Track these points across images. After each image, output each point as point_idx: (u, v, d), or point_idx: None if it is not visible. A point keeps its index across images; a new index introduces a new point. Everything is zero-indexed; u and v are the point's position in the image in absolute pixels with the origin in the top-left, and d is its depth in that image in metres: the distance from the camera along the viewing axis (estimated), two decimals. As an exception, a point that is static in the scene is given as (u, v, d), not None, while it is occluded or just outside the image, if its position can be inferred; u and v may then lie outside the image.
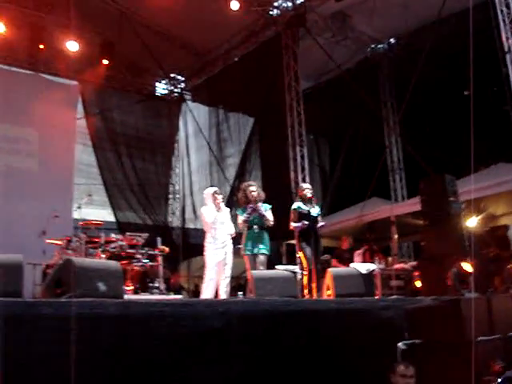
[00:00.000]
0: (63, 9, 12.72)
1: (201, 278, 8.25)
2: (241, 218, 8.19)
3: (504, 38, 11.08)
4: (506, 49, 11.06)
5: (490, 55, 11.13)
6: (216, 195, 8.21)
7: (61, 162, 15.10)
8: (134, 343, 4.61)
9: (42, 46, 14.36)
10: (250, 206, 8.16)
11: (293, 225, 8.43)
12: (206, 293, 7.82)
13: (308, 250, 8.21)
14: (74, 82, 16.27)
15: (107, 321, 4.55)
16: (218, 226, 8.07)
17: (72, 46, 14.07)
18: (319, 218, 8.58)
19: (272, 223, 8.21)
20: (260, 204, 8.21)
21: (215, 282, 7.88)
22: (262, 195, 8.38)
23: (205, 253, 8.03)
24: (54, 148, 15.01)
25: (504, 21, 11.07)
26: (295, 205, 8.57)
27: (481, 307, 5.54)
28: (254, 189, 8.32)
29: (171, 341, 4.78)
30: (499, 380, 3.21)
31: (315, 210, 8.56)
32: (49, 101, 15.02)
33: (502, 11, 11.10)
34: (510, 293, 8.16)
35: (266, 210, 8.21)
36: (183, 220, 18.42)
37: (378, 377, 5.04)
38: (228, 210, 8.43)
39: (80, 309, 4.40)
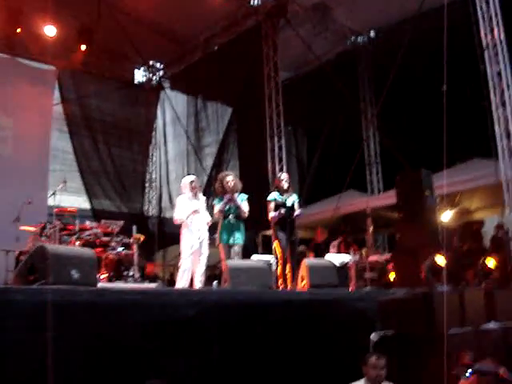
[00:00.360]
0: (41, -8, 12.54)
1: (176, 266, 8.23)
2: (217, 208, 8.18)
3: (483, 35, 11.18)
4: (485, 45, 11.17)
5: (469, 51, 11.22)
6: (193, 184, 8.19)
7: (36, 148, 14.93)
8: (108, 331, 4.58)
9: (18, 30, 14.12)
10: (227, 196, 8.15)
11: (271, 215, 8.44)
12: (181, 282, 7.79)
13: (283, 240, 8.23)
14: (51, 67, 16.03)
15: (80, 308, 4.51)
16: (193, 215, 8.05)
17: (49, 30, 13.87)
18: (296, 207, 8.56)
19: (247, 214, 8.21)
20: (236, 194, 8.20)
21: (190, 271, 7.86)
22: (239, 186, 8.36)
23: (181, 242, 8.00)
24: (29, 133, 14.81)
25: (483, 17, 11.17)
26: (271, 196, 8.57)
27: (453, 300, 5.60)
28: (230, 179, 8.30)
29: (145, 329, 4.76)
30: (468, 371, 3.24)
31: (292, 199, 8.54)
32: (25, 85, 14.84)
33: (481, 8, 11.20)
34: (482, 286, 8.27)
35: (242, 201, 8.21)
36: (159, 209, 18.34)
37: (350, 367, 5.08)
38: (204, 198, 8.41)
39: (52, 296, 4.36)
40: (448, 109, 5.65)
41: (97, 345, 4.47)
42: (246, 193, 8.36)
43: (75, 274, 5.18)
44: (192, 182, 8.24)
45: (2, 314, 4.13)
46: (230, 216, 8.12)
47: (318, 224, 13.06)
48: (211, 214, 8.31)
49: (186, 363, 4.72)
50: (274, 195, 8.56)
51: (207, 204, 8.44)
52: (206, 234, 8.09)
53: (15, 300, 4.22)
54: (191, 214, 7.94)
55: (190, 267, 7.84)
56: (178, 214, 8.01)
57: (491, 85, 11.04)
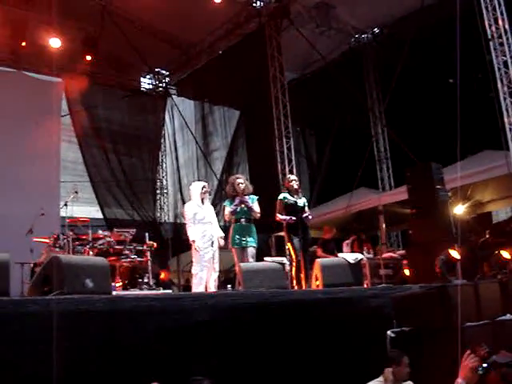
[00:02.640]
0: (45, 5, 12.62)
1: (191, 272, 8.22)
2: (227, 209, 8.18)
3: (487, 25, 11.12)
4: (490, 36, 11.11)
5: (474, 42, 11.16)
6: (203, 190, 8.23)
7: (46, 160, 14.96)
8: (123, 338, 4.60)
9: (23, 44, 14.22)
10: (238, 198, 8.16)
11: (279, 216, 8.39)
12: (199, 288, 7.80)
13: (296, 241, 8.20)
14: (58, 79, 16.13)
15: (95, 317, 4.53)
16: (205, 221, 8.07)
17: (54, 42, 13.94)
18: (306, 209, 8.54)
19: (259, 215, 8.20)
20: (247, 197, 8.20)
21: (205, 279, 7.87)
22: (250, 188, 8.38)
23: (193, 250, 8.00)
24: (38, 146, 14.84)
25: (487, 8, 11.11)
26: (281, 196, 8.56)
27: (468, 293, 5.57)
28: (241, 181, 8.33)
29: (160, 335, 4.78)
30: (484, 365, 3.22)
31: (302, 201, 8.53)
32: (32, 98, 14.91)
33: (484, -2, 11.16)
34: (498, 279, 8.20)
35: (253, 202, 8.20)
36: (175, 215, 18.34)
37: (368, 365, 5.07)
38: (212, 207, 8.42)
39: (67, 306, 4.39)
40: (456, 101, 5.63)
41: (113, 352, 4.49)
42: (256, 195, 8.37)
43: (89, 283, 5.21)
44: (203, 187, 8.28)
45: (18, 325, 4.16)
46: (242, 219, 8.12)
47: (330, 223, 13.00)
48: (222, 216, 8.33)
49: (202, 367, 4.72)
50: (284, 195, 8.54)
51: (217, 209, 8.45)
52: (217, 241, 8.09)
53: (31, 311, 4.25)
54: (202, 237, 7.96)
55: (205, 275, 7.85)
56: (193, 235, 7.98)
57: (498, 75, 10.98)
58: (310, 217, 8.55)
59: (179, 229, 17.60)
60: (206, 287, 7.88)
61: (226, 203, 8.32)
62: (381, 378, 4.94)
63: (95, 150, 16.90)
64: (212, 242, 8.00)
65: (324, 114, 16.62)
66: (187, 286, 14.11)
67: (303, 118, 17.02)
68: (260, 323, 5.40)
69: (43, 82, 15.70)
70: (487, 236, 10.31)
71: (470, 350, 3.41)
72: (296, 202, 8.45)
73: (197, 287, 7.80)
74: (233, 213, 8.14)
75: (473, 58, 11.14)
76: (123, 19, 14.48)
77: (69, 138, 16.44)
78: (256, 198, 8.29)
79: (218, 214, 11.19)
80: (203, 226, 8.02)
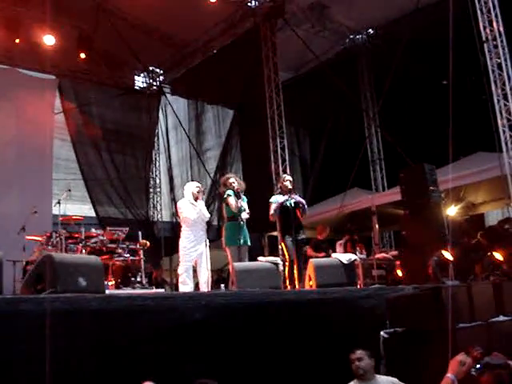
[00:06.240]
0: (39, 2, 12.57)
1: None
2: (233, 200, 8.11)
3: (482, 27, 11.15)
4: (484, 38, 11.14)
5: (468, 44, 11.19)
6: (197, 190, 8.24)
7: (39, 158, 14.95)
8: (116, 337, 4.58)
9: (17, 41, 14.15)
10: (238, 195, 8.16)
11: (271, 213, 8.37)
12: (187, 287, 7.79)
13: (289, 241, 8.19)
14: (52, 77, 16.10)
15: (88, 316, 4.51)
16: (196, 221, 8.08)
17: (48, 39, 13.89)
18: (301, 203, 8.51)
19: (248, 216, 8.21)
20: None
21: (191, 271, 7.88)
22: (243, 185, 8.38)
23: (181, 247, 8.00)
24: (31, 143, 14.83)
25: (481, 10, 11.15)
26: (273, 198, 8.54)
27: (461, 295, 5.58)
28: (233, 180, 8.34)
29: (154, 334, 4.76)
30: (478, 366, 3.24)
31: (295, 201, 8.48)
32: (26, 95, 14.86)
33: (479, 0, 11.18)
34: (491, 280, 8.24)
35: (244, 202, 8.21)
36: (172, 214, 18.26)
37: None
38: (204, 206, 8.41)
39: (60, 304, 4.37)
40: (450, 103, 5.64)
41: (106, 351, 4.47)
42: (249, 194, 8.37)
43: (82, 281, 5.19)
44: (197, 187, 8.29)
45: (11, 325, 4.13)
46: (239, 217, 8.11)
47: (323, 223, 13.00)
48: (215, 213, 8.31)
49: (196, 367, 4.72)
50: (276, 198, 8.51)
51: (208, 208, 8.43)
52: (206, 237, 8.10)
53: (24, 309, 4.23)
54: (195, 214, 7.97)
55: (191, 273, 7.86)
56: (187, 213, 8.02)
57: (492, 77, 11.01)
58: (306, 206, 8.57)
59: (176, 228, 17.56)
60: (197, 284, 7.89)
61: (231, 192, 8.26)
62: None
63: (88, 148, 16.85)
64: (201, 239, 8.01)
65: (318, 114, 16.65)
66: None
67: (297, 117, 17.03)
68: (254, 323, 5.38)
69: (37, 79, 15.68)
70: (479, 237, 10.33)
71: (464, 352, 3.43)
72: (289, 202, 8.42)
73: (183, 288, 7.78)
74: (237, 208, 8.07)
75: (467, 59, 11.17)
76: (118, 17, 14.45)
77: (62, 135, 16.37)
78: (245, 199, 8.30)
79: (211, 213, 11.17)
80: (197, 223, 8.03)
